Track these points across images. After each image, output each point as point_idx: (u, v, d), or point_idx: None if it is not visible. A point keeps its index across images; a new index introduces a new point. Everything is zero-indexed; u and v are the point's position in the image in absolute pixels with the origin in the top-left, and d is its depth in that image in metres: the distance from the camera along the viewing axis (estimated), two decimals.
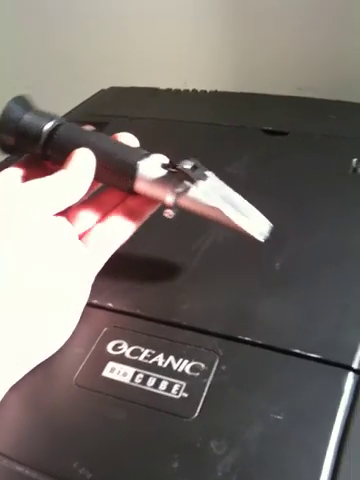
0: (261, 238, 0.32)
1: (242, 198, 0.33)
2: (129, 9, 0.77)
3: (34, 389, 0.30)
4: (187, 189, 0.33)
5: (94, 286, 0.34)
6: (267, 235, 0.33)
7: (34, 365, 0.30)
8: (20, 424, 0.28)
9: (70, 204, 0.33)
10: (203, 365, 0.30)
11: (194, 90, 0.64)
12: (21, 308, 0.29)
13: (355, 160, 0.46)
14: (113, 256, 0.35)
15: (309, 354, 0.30)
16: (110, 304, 0.34)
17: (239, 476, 0.25)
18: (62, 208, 0.33)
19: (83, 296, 0.33)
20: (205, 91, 0.64)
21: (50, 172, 0.34)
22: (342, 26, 0.69)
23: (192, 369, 0.30)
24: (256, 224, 0.33)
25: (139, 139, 0.51)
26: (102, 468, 0.26)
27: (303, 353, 0.30)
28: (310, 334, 0.31)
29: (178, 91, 0.65)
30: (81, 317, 0.33)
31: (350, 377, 0.29)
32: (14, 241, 0.30)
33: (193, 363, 0.30)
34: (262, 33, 0.74)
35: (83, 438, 0.27)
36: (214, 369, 0.30)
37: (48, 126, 0.35)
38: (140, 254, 0.37)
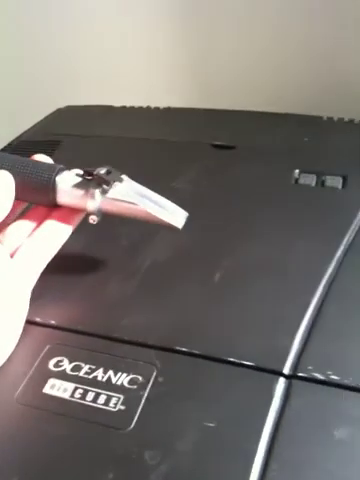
0: (179, 226, 0.35)
1: (157, 194, 0.36)
2: (84, 26, 0.78)
3: None
4: (105, 192, 0.35)
5: (37, 304, 0.35)
6: (184, 223, 0.35)
7: None
8: None
9: None
10: (141, 378, 0.31)
11: (148, 107, 0.66)
12: None
13: (297, 171, 0.48)
14: (55, 273, 0.36)
15: (243, 362, 0.31)
16: (53, 321, 0.35)
17: None
18: None
19: (21, 312, 0.34)
20: (158, 108, 0.65)
21: None
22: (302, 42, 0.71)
23: (130, 382, 0.31)
24: (173, 214, 0.35)
25: (90, 157, 0.52)
26: None
27: (237, 361, 0.31)
28: (244, 342, 0.32)
29: (132, 108, 0.66)
30: (24, 335, 0.34)
31: (281, 382, 0.30)
32: None
33: (131, 376, 0.31)
34: (221, 49, 0.76)
35: (23, 454, 0.28)
36: (151, 381, 0.31)
37: None
38: (81, 271, 0.38)
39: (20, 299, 0.34)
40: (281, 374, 0.30)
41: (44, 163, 0.37)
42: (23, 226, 0.37)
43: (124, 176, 0.36)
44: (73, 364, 0.32)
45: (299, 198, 0.45)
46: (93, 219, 0.36)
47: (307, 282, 0.36)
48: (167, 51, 0.78)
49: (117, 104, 0.67)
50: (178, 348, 0.32)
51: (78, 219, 0.37)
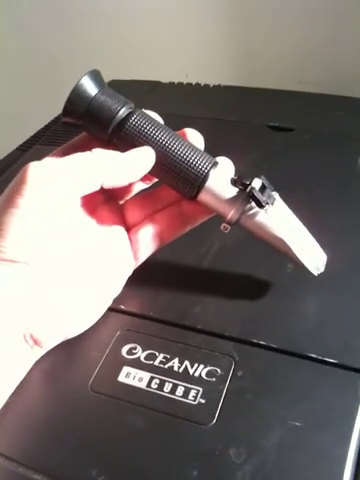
0: (316, 273, 0.33)
1: (303, 226, 0.33)
2: (131, 1, 0.76)
3: (50, 394, 0.29)
4: (255, 213, 0.32)
5: None
6: (322, 270, 0.33)
7: (65, 337, 0.31)
8: (36, 432, 0.28)
9: (109, 186, 0.32)
10: (219, 370, 0.30)
11: (197, 84, 0.63)
12: (60, 282, 0.30)
13: None
14: None
15: (325, 359, 0.30)
16: (122, 306, 0.34)
17: None
18: (96, 188, 0.31)
19: (116, 287, 0.34)
20: (208, 85, 0.63)
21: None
22: (344, 21, 0.69)
23: (208, 374, 0.29)
24: (314, 259, 0.33)
25: None
26: (121, 476, 0.26)
27: (319, 358, 0.30)
28: (325, 338, 0.31)
29: (181, 85, 0.64)
30: None
31: None
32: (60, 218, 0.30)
33: (209, 368, 0.30)
34: (264, 26, 0.74)
35: (101, 445, 0.27)
36: (230, 374, 0.29)
37: (120, 113, 0.32)
38: (151, 256, 0.36)
39: (121, 276, 0.34)
40: None
41: (197, 149, 0.33)
42: (150, 203, 0.35)
43: (276, 195, 0.32)
44: (147, 352, 0.31)
45: None
46: (226, 227, 0.32)
47: None
48: (213, 27, 0.75)
49: (160, 79, 0.65)
50: (256, 341, 0.31)
51: (206, 218, 0.34)
